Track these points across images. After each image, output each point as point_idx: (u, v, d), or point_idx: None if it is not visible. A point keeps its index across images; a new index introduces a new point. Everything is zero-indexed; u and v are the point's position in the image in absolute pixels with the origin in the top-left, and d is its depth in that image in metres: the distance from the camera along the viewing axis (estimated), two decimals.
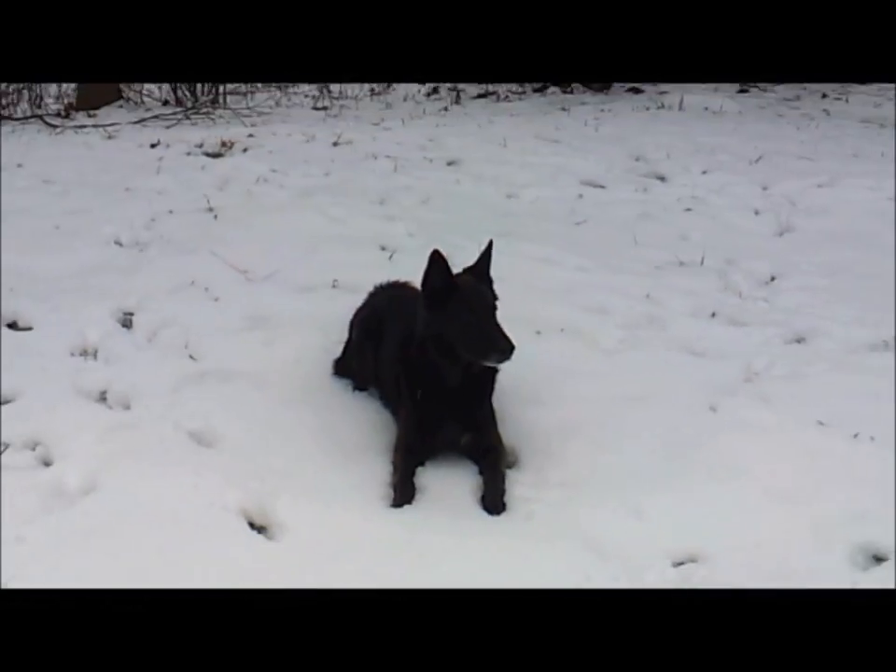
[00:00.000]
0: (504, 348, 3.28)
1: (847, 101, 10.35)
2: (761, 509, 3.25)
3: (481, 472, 3.44)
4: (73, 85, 9.78)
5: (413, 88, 11.10)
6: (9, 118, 9.30)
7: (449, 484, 3.40)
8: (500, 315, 3.55)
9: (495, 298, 3.49)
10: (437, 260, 3.38)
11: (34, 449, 3.46)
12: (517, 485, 3.40)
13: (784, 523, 3.19)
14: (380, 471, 3.43)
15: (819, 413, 3.78)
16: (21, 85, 9.72)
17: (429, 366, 3.48)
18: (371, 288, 4.12)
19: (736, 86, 11.07)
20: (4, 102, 9.54)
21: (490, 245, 3.55)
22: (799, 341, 4.48)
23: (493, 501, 3.32)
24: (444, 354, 3.42)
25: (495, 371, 3.56)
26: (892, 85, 11.13)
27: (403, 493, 3.34)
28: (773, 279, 5.23)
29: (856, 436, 3.65)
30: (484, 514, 3.28)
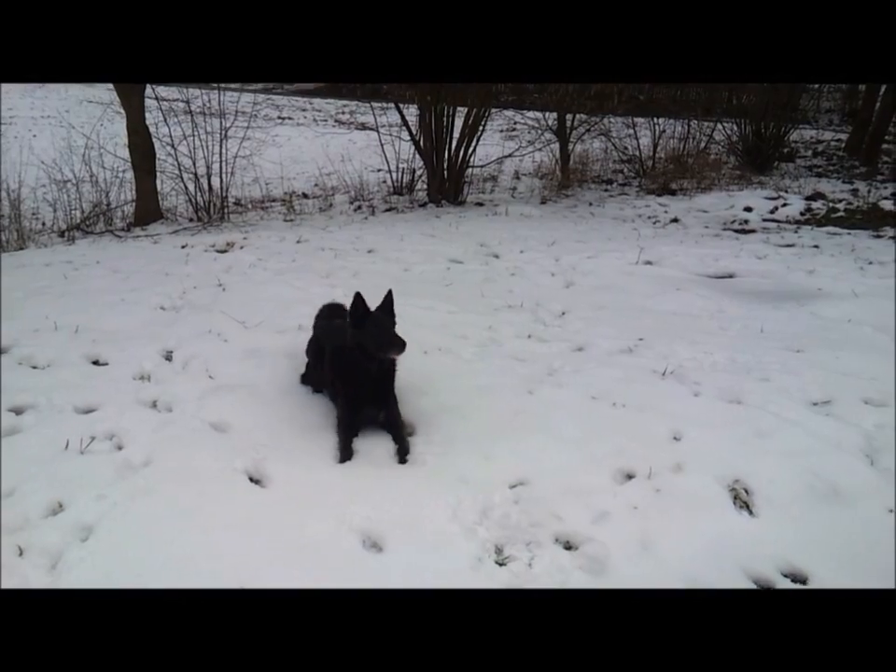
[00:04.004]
0: (399, 344, 3.30)
1: (604, 207, 10.60)
2: (560, 450, 3.30)
3: (393, 439, 3.42)
4: (132, 208, 9.52)
5: (346, 205, 11.04)
6: (91, 232, 9.05)
7: (373, 448, 3.39)
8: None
9: (394, 323, 3.51)
10: (359, 298, 3.45)
11: (111, 439, 3.35)
12: (415, 446, 3.39)
13: (572, 457, 3.25)
14: (330, 442, 3.40)
15: (592, 392, 3.86)
16: (99, 210, 9.47)
17: (354, 366, 3.45)
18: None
19: (539, 199, 11.23)
20: (88, 222, 9.27)
21: (390, 292, 3.59)
22: (580, 349, 4.55)
23: (401, 456, 3.31)
24: (363, 354, 3.40)
25: (394, 371, 3.56)
26: (633, 195, 11.45)
27: (344, 454, 3.31)
28: (563, 314, 5.30)
29: (614, 404, 3.74)
30: (396, 464, 3.28)
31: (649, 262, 6.89)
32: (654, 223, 9.42)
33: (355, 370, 3.46)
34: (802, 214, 9.92)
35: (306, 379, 3.99)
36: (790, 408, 3.72)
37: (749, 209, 10.03)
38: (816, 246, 7.83)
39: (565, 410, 3.69)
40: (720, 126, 14.16)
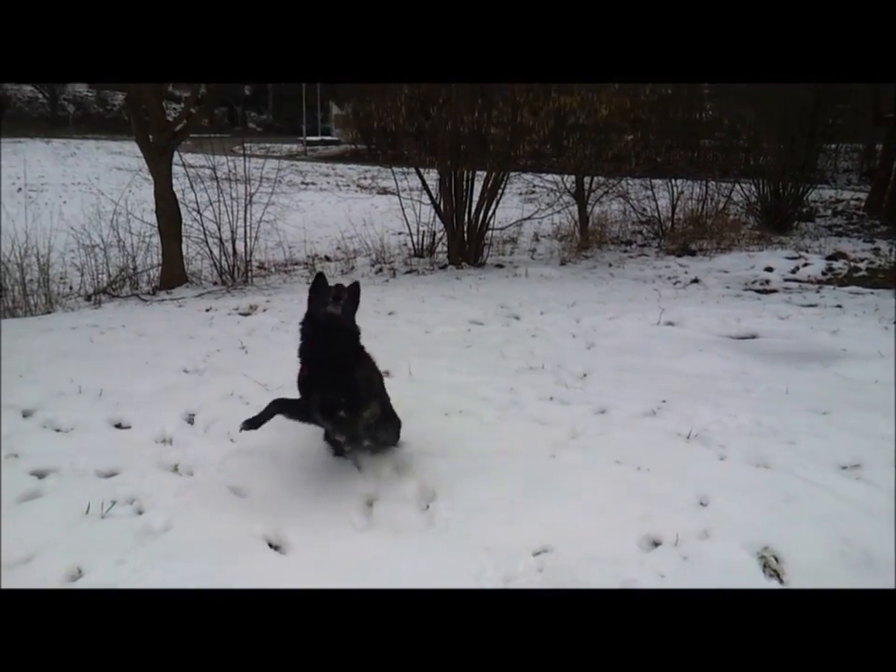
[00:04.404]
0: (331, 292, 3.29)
1: (623, 268, 10.65)
2: (584, 516, 3.24)
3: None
4: (158, 272, 9.69)
5: (367, 268, 11.17)
6: (117, 295, 9.22)
7: (394, 513, 3.34)
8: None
9: (352, 305, 3.48)
10: (319, 276, 3.52)
11: (132, 503, 3.34)
12: (437, 511, 3.34)
13: (597, 523, 3.19)
14: (350, 507, 3.35)
15: (616, 456, 3.81)
16: (126, 274, 9.63)
17: (304, 338, 3.48)
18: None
19: (559, 261, 11.31)
20: (114, 286, 9.44)
21: (355, 284, 3.56)
22: (602, 412, 4.51)
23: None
24: (307, 321, 3.46)
25: (353, 353, 3.52)
26: (652, 256, 11.50)
27: (253, 419, 3.35)
28: (585, 375, 5.28)
29: (639, 468, 3.69)
30: (418, 529, 3.20)
31: (670, 323, 6.88)
32: (675, 284, 9.44)
33: (304, 342, 3.44)
34: (823, 273, 9.91)
35: (327, 435, 3.95)
36: (818, 472, 3.64)
37: (769, 269, 10.03)
38: (839, 306, 7.79)
39: (588, 474, 3.64)
40: (737, 187, 14.29)
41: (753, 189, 14.36)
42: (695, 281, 9.56)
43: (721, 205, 14.07)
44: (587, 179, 12.87)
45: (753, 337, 6.52)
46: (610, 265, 10.97)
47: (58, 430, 4.15)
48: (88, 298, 9.20)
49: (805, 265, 10.18)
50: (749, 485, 3.52)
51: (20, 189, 17.89)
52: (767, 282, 9.50)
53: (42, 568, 2.83)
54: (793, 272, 9.97)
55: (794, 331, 6.60)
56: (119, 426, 4.25)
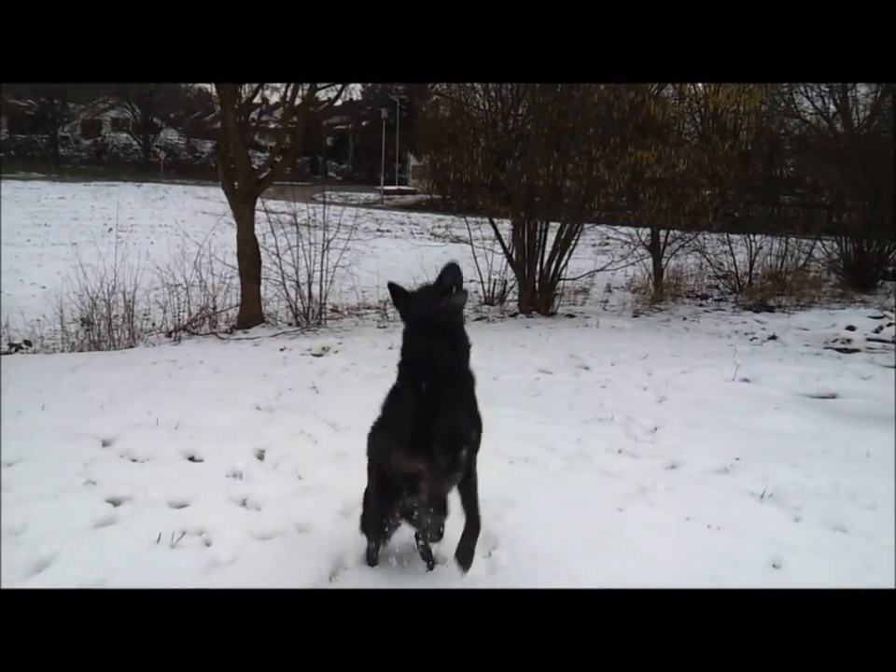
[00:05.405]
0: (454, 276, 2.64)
1: (698, 322, 10.47)
2: (649, 573, 3.16)
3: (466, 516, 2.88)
4: (236, 312, 9.98)
5: None
6: (196, 333, 9.54)
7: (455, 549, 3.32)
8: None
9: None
10: (392, 286, 3.07)
11: (200, 535, 3.41)
12: (500, 558, 3.29)
13: (664, 581, 3.09)
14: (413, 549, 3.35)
15: (685, 512, 3.72)
16: (206, 313, 9.95)
17: (416, 352, 2.92)
18: None
19: (631, 312, 11.21)
20: (194, 324, 9.77)
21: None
22: (673, 467, 4.43)
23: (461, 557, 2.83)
24: (423, 326, 2.87)
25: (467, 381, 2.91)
26: (729, 311, 11.28)
27: (373, 542, 3.12)
28: (656, 429, 5.19)
29: (709, 526, 3.59)
30: (480, 576, 3.12)
31: (746, 380, 6.72)
32: (751, 340, 9.23)
33: (417, 355, 2.88)
34: None
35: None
36: None
37: (851, 328, 9.71)
38: None
39: (656, 530, 3.56)
40: (819, 244, 13.96)
41: (835, 246, 14.00)
42: (773, 337, 9.32)
43: (801, 262, 13.76)
44: (662, 232, 12.79)
45: (833, 397, 6.31)
46: (685, 319, 10.81)
47: (134, 460, 4.29)
48: (168, 334, 9.56)
49: (890, 325, 9.82)
50: (825, 550, 3.38)
51: (110, 230, 18.75)
52: (849, 341, 9.18)
53: None
54: (877, 331, 9.62)
55: (877, 393, 6.35)
56: (192, 458, 4.37)
